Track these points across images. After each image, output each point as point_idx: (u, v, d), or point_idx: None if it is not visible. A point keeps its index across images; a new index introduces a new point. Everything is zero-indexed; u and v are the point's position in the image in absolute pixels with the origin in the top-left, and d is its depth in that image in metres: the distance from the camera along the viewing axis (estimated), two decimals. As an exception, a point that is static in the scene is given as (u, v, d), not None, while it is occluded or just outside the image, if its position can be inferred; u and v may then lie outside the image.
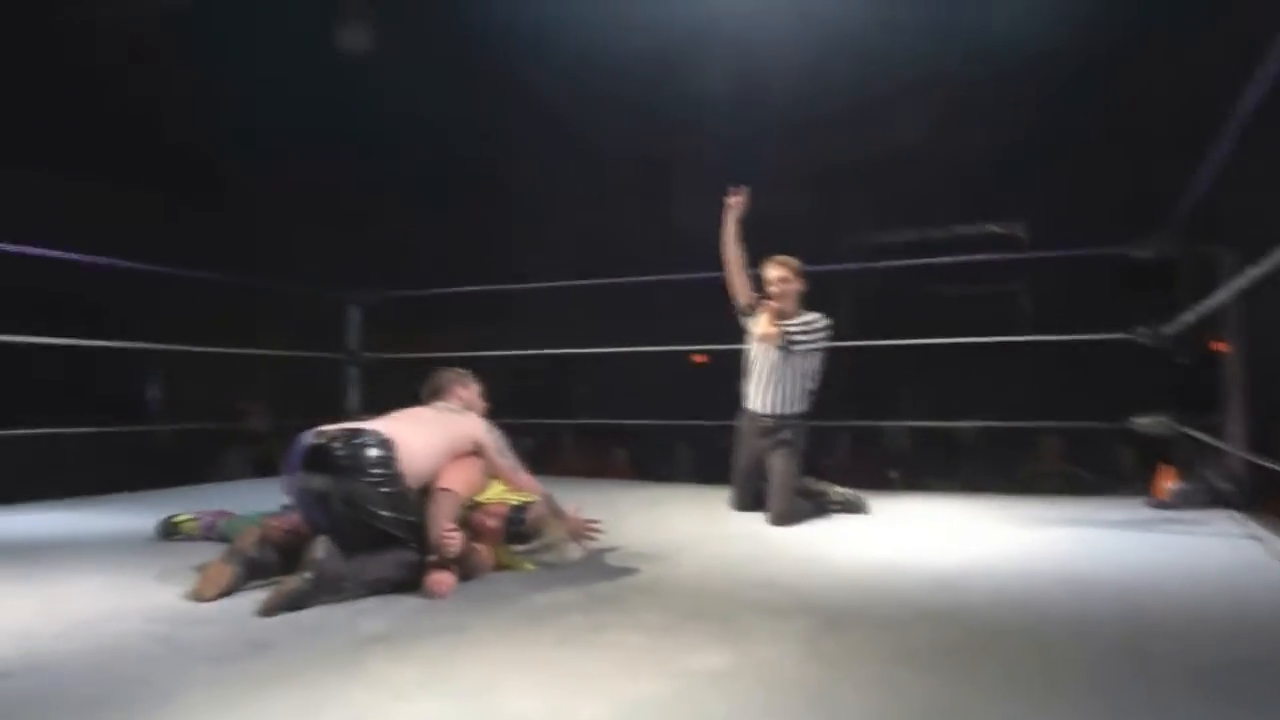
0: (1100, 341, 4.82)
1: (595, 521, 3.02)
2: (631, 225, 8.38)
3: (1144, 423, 4.17)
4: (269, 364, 7.68)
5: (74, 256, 4.55)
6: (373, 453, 2.58)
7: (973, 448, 6.67)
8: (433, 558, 2.54)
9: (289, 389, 7.10)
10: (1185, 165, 3.57)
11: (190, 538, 3.28)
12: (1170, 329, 4.10)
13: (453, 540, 2.54)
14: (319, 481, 2.56)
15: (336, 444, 2.58)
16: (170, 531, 3.32)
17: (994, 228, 8.57)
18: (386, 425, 2.73)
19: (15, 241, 4.11)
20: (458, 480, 2.74)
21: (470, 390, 3.22)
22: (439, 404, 3.08)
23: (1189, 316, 3.87)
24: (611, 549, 3.12)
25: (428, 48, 7.32)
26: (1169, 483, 4.00)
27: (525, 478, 3.01)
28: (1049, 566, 2.83)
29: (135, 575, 2.73)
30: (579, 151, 8.11)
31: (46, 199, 7.71)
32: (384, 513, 2.55)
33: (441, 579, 2.49)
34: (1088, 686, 1.72)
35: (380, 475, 2.57)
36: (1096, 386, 7.10)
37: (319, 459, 2.58)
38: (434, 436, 2.78)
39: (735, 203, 4.00)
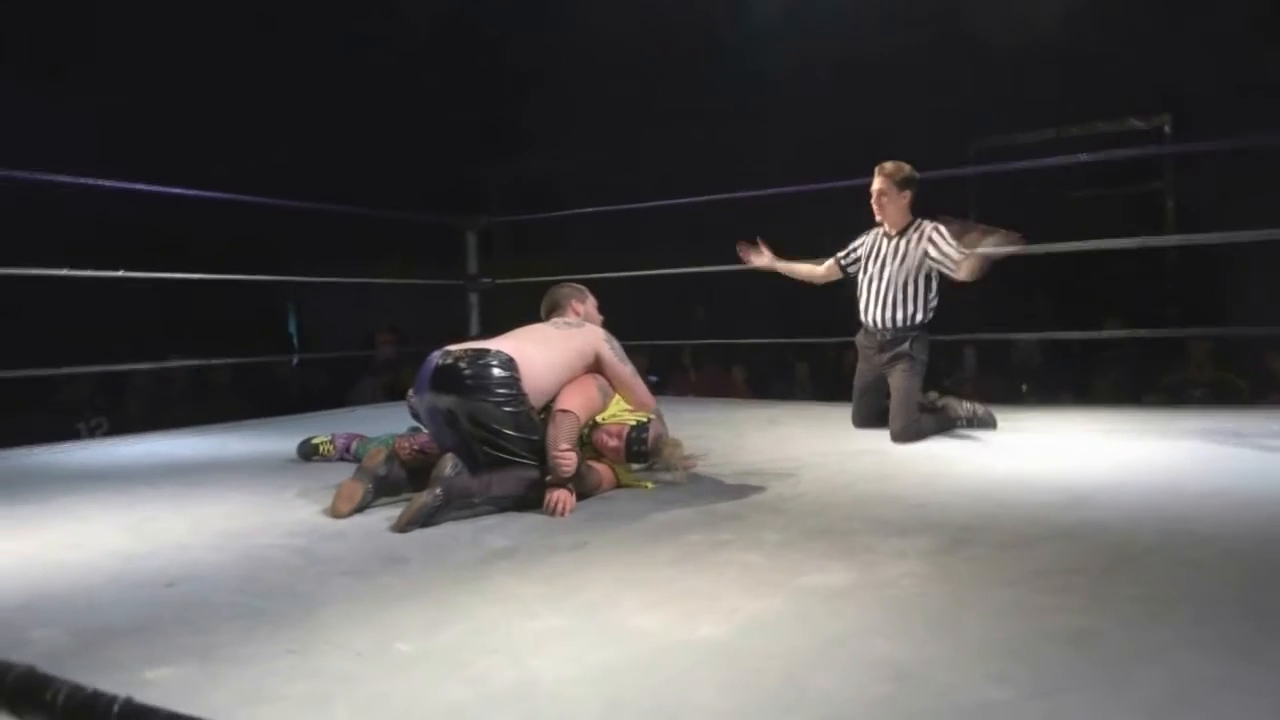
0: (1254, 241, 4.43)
1: (690, 457, 3.00)
2: (750, 140, 8.16)
3: (1309, 327, 3.83)
4: (398, 293, 7.94)
5: (213, 195, 4.76)
6: (497, 372, 2.63)
7: (1112, 358, 6.31)
8: (550, 477, 2.59)
9: (419, 317, 7.33)
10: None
11: (327, 459, 3.46)
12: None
13: (567, 461, 2.58)
14: (447, 400, 2.64)
15: (463, 364, 2.65)
16: (310, 453, 3.51)
17: (1136, 122, 7.93)
18: (509, 344, 2.77)
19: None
20: (576, 401, 2.77)
21: (587, 304, 3.23)
22: (558, 319, 3.10)
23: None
24: (731, 467, 3.12)
25: None
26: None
27: (641, 387, 3.01)
28: (1195, 481, 2.66)
29: (277, 494, 2.91)
30: (702, 70, 7.92)
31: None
32: (509, 431, 2.62)
33: (560, 497, 2.54)
34: (1239, 610, 1.61)
35: (505, 395, 2.62)
36: (1254, 289, 6.59)
37: (446, 378, 2.65)
38: (555, 353, 2.82)
39: (759, 259, 4.00)
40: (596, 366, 2.92)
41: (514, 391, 2.64)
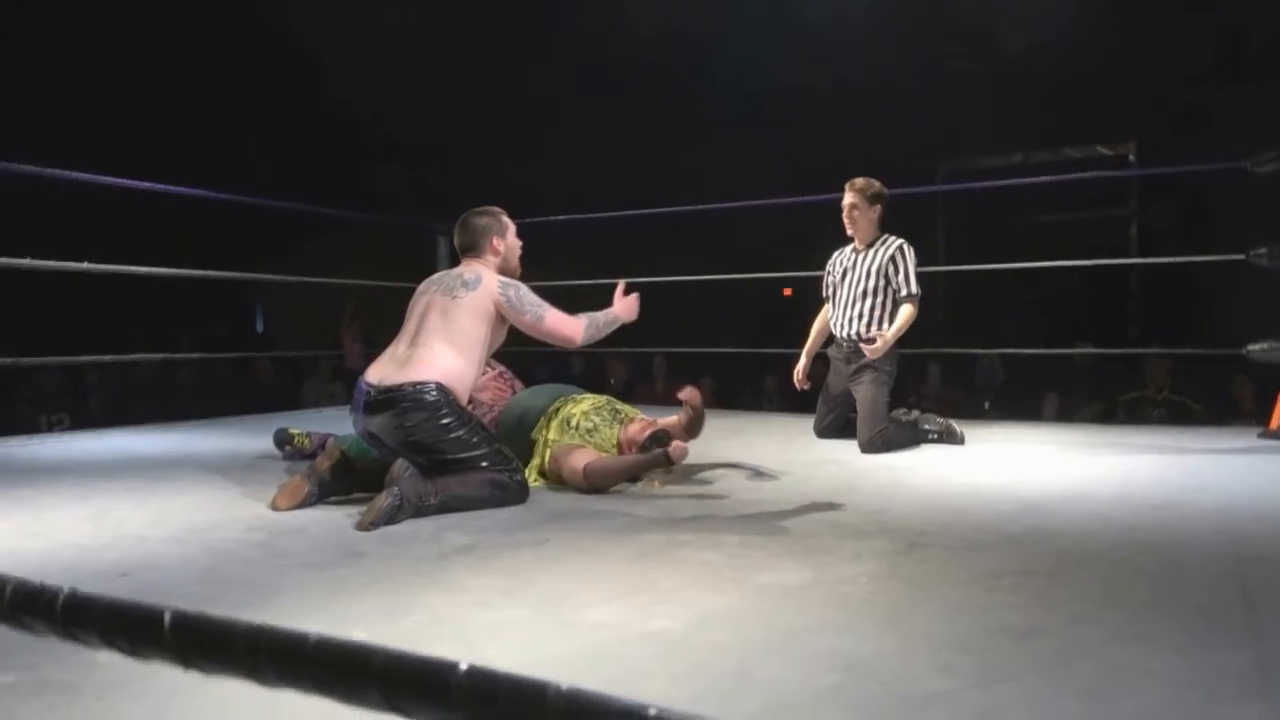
0: (1215, 265, 4.55)
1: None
2: (725, 159, 8.25)
3: (1259, 349, 3.93)
4: (366, 295, 7.92)
5: (191, 191, 4.72)
6: (429, 396, 2.61)
7: (1074, 376, 6.42)
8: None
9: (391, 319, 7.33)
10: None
11: (299, 451, 3.46)
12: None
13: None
14: (378, 423, 2.63)
15: (396, 389, 2.62)
16: (285, 440, 3.50)
17: (1101, 149, 8.11)
18: (426, 354, 2.69)
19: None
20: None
21: (508, 238, 2.98)
22: (462, 274, 2.88)
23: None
24: (693, 473, 3.15)
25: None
26: (1285, 412, 3.78)
27: (555, 326, 2.86)
28: (1146, 492, 2.72)
29: (240, 489, 2.91)
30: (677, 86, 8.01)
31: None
32: (460, 454, 2.62)
33: (682, 447, 2.83)
34: (1181, 610, 1.66)
35: (449, 421, 2.62)
36: (1211, 313, 6.74)
37: (378, 409, 2.62)
38: (460, 330, 2.74)
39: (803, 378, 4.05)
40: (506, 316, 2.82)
41: (450, 417, 2.62)
